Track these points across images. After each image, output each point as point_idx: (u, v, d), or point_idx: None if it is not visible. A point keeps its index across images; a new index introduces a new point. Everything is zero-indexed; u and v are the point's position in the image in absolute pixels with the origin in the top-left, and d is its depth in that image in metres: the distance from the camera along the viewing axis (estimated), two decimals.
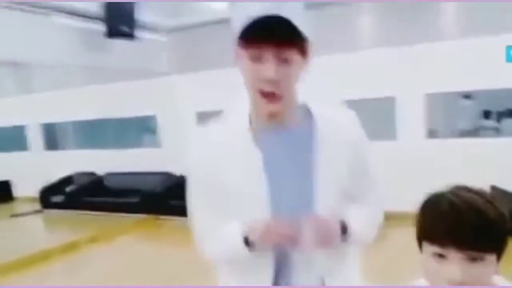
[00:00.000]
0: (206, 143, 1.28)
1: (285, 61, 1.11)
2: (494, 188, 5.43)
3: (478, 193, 0.99)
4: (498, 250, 0.96)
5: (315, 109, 1.26)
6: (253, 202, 1.19)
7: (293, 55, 1.12)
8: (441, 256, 0.95)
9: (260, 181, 1.19)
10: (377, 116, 6.59)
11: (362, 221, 1.27)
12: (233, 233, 1.21)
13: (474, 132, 7.93)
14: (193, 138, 1.32)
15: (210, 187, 1.23)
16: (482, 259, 0.93)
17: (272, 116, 1.18)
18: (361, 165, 1.28)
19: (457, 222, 0.92)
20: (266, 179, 1.19)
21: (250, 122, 1.23)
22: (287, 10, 1.06)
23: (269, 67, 1.10)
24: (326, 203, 1.19)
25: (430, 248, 0.97)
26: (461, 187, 1.02)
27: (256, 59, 1.11)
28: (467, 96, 8.13)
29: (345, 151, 1.23)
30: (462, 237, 0.92)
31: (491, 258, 0.95)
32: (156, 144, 8.75)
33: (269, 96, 1.13)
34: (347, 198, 1.25)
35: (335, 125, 1.24)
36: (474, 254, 0.93)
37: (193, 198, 1.31)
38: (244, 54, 1.13)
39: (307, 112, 1.25)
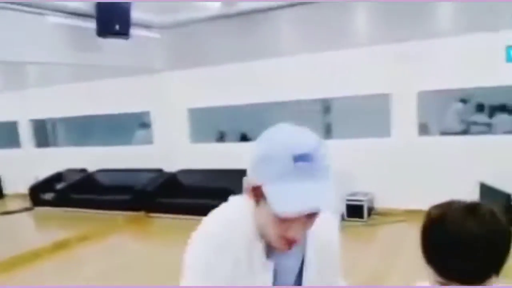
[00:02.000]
0: (211, 247, 1.14)
1: (311, 217, 1.07)
2: (483, 185, 5.47)
3: (487, 214, 1.01)
4: (499, 270, 1.00)
5: None
6: None
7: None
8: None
9: None
10: (373, 114, 6.63)
11: None
12: None
13: (464, 130, 7.99)
14: (197, 239, 1.16)
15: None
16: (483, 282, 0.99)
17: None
18: (337, 260, 1.33)
19: (465, 257, 0.97)
20: None
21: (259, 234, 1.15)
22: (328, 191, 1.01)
23: (295, 229, 1.05)
24: None
25: (434, 277, 1.03)
26: (469, 207, 1.03)
27: (282, 219, 1.03)
28: (463, 100, 8.18)
29: (329, 257, 1.27)
30: (468, 271, 0.97)
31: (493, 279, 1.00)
32: (148, 140, 8.71)
33: (289, 242, 1.08)
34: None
35: (321, 236, 1.23)
36: (477, 282, 0.98)
37: None
38: (268, 210, 1.03)
39: None
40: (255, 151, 1.06)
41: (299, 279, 1.22)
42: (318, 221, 1.11)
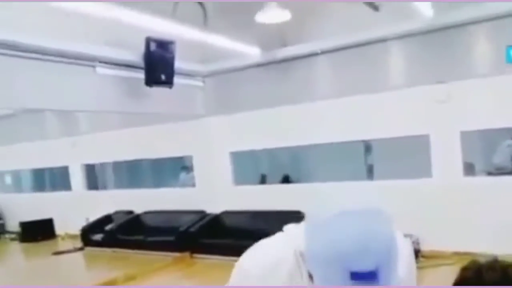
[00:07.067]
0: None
1: None
2: None
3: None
4: None
5: None
6: None
7: None
8: None
9: None
10: (415, 154, 6.58)
11: None
12: None
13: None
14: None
15: None
16: None
17: None
18: None
19: None
20: None
21: None
22: None
23: None
24: None
25: None
26: (496, 263, 1.11)
27: None
28: None
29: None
30: None
31: None
32: (190, 183, 8.95)
33: None
34: None
35: None
36: None
37: None
38: None
39: None
40: (309, 245, 0.96)
41: None
42: None
